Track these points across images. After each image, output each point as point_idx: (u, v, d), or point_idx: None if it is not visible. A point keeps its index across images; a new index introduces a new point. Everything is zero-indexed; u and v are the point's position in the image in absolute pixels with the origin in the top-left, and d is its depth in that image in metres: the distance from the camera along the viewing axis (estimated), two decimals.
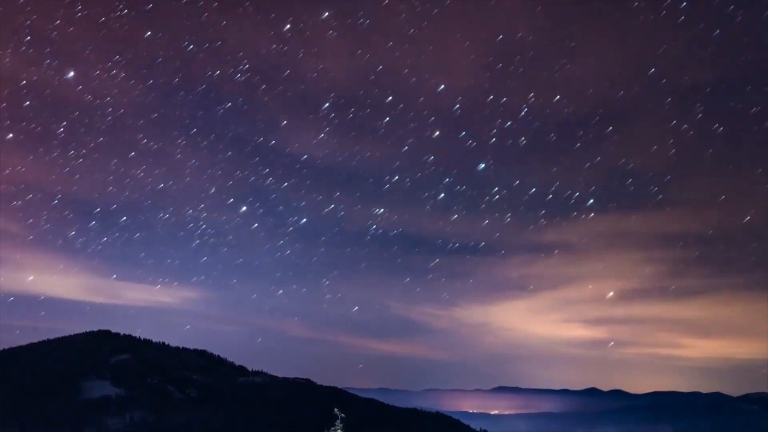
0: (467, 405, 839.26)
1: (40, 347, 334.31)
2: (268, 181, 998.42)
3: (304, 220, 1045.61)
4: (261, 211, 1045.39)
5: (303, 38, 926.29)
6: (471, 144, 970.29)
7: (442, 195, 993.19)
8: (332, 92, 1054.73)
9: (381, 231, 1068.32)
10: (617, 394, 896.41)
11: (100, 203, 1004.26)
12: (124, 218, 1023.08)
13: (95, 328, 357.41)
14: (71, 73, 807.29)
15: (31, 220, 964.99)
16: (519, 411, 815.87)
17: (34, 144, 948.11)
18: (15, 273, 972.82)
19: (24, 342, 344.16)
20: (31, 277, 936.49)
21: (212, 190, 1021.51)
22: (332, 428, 53.23)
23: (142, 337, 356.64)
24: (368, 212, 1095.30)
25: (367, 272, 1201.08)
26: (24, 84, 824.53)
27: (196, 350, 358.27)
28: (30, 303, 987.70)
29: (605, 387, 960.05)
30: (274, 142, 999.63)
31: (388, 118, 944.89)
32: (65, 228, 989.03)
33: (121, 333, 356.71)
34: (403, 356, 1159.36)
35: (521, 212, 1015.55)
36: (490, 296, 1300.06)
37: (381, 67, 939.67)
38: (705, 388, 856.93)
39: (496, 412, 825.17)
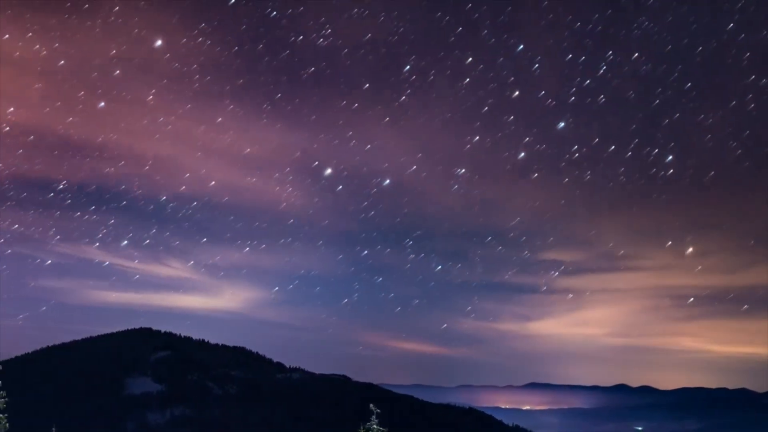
0: (499, 401, 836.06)
1: (84, 344, 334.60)
2: (352, 144, 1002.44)
3: (387, 181, 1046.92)
4: (345, 173, 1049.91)
5: (384, 2, 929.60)
6: (550, 103, 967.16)
7: (522, 154, 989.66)
8: (413, 55, 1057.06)
9: (462, 191, 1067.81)
10: (646, 390, 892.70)
11: (189, 168, 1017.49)
12: (213, 182, 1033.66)
13: (137, 326, 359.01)
14: (159, 42, 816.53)
15: (123, 186, 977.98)
16: (550, 406, 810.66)
17: (125, 112, 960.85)
18: (111, 240, 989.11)
19: (68, 339, 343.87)
20: (125, 242, 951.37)
21: (297, 154, 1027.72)
22: (368, 423, 50.11)
23: (182, 335, 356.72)
24: (450, 173, 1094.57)
25: (450, 232, 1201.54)
26: (114, 54, 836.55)
27: (235, 347, 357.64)
28: (125, 269, 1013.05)
29: (634, 383, 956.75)
30: (356, 105, 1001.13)
31: (468, 80, 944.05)
32: (157, 192, 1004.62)
33: (162, 330, 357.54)
34: (438, 355, 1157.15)
35: (600, 170, 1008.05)
36: None
37: (461, 29, 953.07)
38: (731, 384, 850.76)
39: (528, 407, 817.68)
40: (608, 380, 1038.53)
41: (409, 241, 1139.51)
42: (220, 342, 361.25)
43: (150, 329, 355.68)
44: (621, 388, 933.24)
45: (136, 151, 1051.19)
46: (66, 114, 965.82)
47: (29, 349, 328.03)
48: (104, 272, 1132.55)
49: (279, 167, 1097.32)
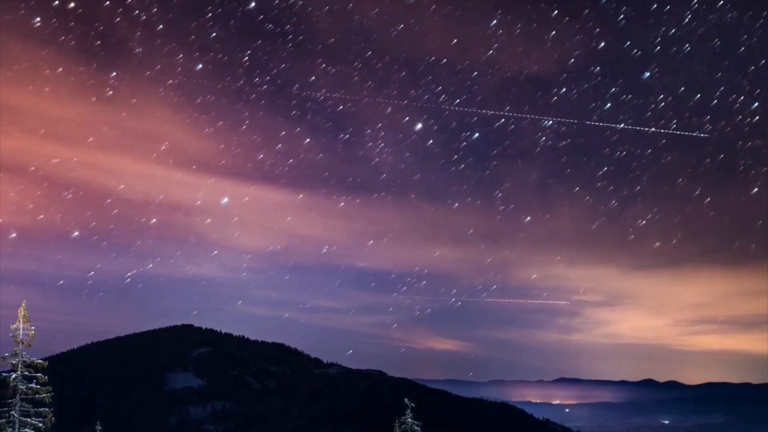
0: (530, 395, 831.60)
1: (127, 340, 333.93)
2: (441, 98, 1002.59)
3: (477, 135, 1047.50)
4: (435, 128, 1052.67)
5: None
6: (636, 53, 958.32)
7: (609, 105, 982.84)
8: (499, 9, 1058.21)
9: (550, 143, 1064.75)
10: (672, 384, 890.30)
11: (284, 126, 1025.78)
12: (308, 140, 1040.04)
13: (179, 323, 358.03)
14: (252, 4, 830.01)
15: (222, 146, 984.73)
16: (579, 401, 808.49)
17: (221, 73, 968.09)
18: (210, 195, 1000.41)
19: (112, 336, 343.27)
20: (225, 200, 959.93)
21: (388, 110, 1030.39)
22: (403, 417, 46.85)
23: (223, 331, 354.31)
24: (537, 124, 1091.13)
25: (538, 183, 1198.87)
26: (209, 16, 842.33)
27: (274, 343, 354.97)
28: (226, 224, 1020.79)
29: (661, 378, 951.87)
30: (445, 60, 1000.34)
31: (554, 32, 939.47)
32: (253, 152, 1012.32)
33: (204, 327, 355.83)
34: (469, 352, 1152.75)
35: (686, 119, 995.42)
36: None
37: None
38: (756, 379, 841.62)
39: (558, 401, 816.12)
40: (635, 375, 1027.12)
41: (498, 194, 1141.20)
42: (260, 338, 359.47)
43: (191, 326, 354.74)
44: (648, 383, 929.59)
45: (233, 113, 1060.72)
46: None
47: (74, 345, 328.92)
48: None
49: (371, 123, 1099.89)
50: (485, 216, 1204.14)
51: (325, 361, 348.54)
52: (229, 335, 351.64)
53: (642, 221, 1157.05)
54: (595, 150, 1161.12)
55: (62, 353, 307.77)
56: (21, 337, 38.56)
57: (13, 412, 38.47)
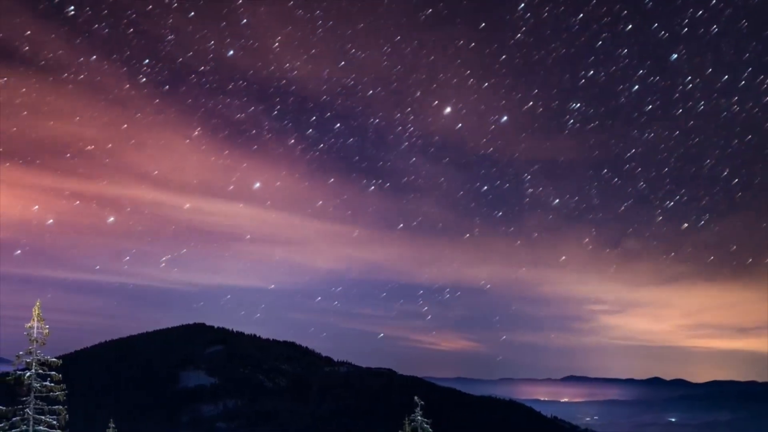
0: (539, 393, 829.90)
1: (141, 339, 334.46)
2: (470, 82, 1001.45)
3: (505, 117, 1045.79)
4: (464, 111, 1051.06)
5: None
6: (663, 35, 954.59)
7: (636, 87, 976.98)
8: None
9: (578, 125, 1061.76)
10: (679, 383, 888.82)
11: (315, 111, 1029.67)
12: (338, 125, 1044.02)
13: (191, 321, 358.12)
14: None
15: (254, 131, 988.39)
16: (587, 399, 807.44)
17: (253, 59, 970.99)
18: (244, 180, 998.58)
19: (125, 334, 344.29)
20: (258, 184, 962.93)
21: (417, 94, 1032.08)
22: (413, 415, 46.95)
23: (235, 330, 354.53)
24: (565, 107, 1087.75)
25: (565, 165, 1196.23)
26: (240, 2, 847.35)
27: (285, 342, 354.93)
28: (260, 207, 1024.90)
29: (668, 376, 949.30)
30: (473, 44, 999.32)
31: (581, 15, 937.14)
32: (286, 136, 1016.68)
33: (216, 326, 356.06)
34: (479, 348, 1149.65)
35: (714, 99, 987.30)
36: None
37: None
38: (761, 377, 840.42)
39: (566, 399, 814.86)
40: (643, 374, 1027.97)
41: (527, 176, 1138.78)
42: (271, 337, 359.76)
43: (203, 324, 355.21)
44: (655, 381, 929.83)
45: (263, 96, 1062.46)
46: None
47: (88, 344, 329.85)
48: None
49: (400, 107, 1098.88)
50: (513, 198, 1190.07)
51: (335, 359, 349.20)
52: (241, 334, 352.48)
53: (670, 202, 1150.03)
54: (622, 131, 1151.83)
55: (76, 351, 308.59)
56: (35, 335, 38.60)
57: (27, 410, 38.48)
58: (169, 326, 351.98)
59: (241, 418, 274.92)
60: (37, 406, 38.54)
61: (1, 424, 38.23)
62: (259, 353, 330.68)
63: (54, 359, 39.02)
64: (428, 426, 50.18)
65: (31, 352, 38.58)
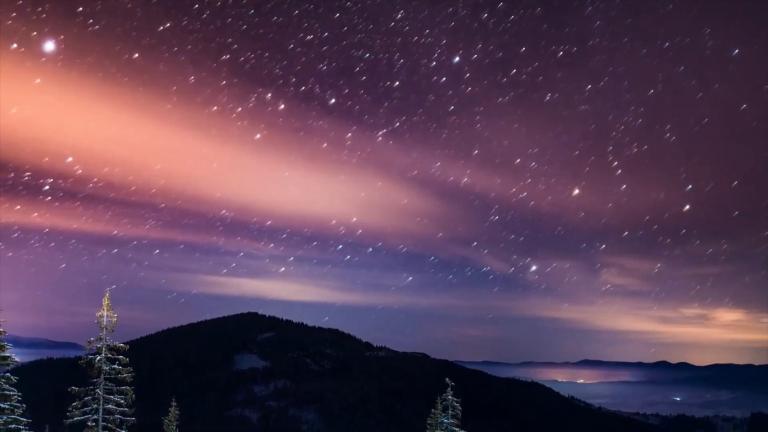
0: (557, 375, 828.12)
1: (200, 327, 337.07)
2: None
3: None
4: None
5: None
6: None
7: None
8: None
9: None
10: (684, 366, 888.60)
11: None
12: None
13: (245, 310, 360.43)
14: None
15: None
16: (601, 380, 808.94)
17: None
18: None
19: (185, 322, 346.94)
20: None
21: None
22: (444, 395, 46.87)
23: (284, 318, 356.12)
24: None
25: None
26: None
27: (330, 329, 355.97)
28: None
29: (673, 360, 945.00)
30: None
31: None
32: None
33: (267, 315, 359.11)
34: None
35: None
36: None
37: None
38: (756, 361, 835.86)
39: (582, 381, 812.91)
40: (651, 357, 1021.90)
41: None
42: (317, 325, 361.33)
43: (256, 313, 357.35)
44: (662, 365, 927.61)
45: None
46: None
47: (152, 331, 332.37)
48: None
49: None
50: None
51: (375, 345, 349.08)
52: (289, 322, 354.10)
53: None
54: None
55: (142, 338, 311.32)
56: (105, 323, 38.85)
57: (98, 390, 39.05)
58: (226, 315, 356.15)
59: (290, 398, 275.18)
60: (106, 387, 38.86)
61: (75, 403, 38.68)
62: (306, 339, 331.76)
63: (122, 344, 39.33)
64: (458, 404, 49.97)
65: (101, 339, 38.83)
